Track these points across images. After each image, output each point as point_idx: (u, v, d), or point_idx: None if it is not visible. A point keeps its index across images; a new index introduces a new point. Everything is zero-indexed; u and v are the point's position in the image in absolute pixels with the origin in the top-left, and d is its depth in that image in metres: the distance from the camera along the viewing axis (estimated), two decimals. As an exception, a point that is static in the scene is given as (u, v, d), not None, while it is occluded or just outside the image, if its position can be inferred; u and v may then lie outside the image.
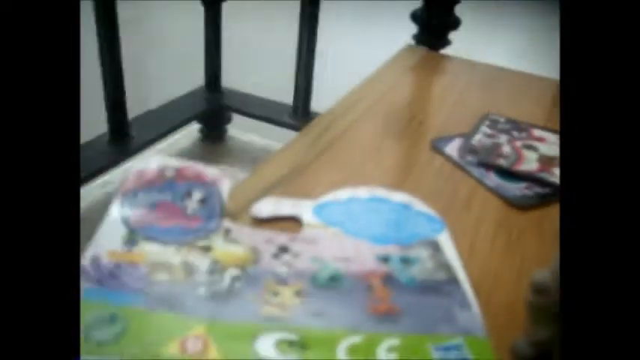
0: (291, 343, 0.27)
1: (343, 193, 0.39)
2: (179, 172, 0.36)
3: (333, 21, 1.33)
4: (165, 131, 1.07)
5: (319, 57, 1.10)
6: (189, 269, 0.30)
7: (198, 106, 1.18)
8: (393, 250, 0.34)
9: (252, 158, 1.26)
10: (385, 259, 0.33)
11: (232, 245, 0.33)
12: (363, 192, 0.40)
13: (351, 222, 0.36)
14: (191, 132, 1.29)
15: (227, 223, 0.34)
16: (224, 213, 0.35)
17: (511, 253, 0.37)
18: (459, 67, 0.69)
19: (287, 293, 0.30)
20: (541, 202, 0.42)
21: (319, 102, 1.18)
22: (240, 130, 1.31)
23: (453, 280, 0.31)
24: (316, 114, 1.15)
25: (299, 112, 1.13)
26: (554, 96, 0.64)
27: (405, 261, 0.33)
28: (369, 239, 0.34)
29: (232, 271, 0.31)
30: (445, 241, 0.35)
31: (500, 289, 0.33)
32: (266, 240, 0.33)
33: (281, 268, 0.31)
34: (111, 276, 0.29)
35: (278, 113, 1.17)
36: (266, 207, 0.37)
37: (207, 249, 0.32)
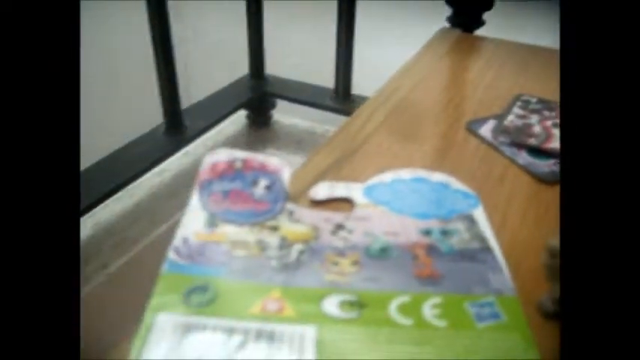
0: (351, 303, 0.32)
1: (388, 175, 0.45)
2: (246, 163, 0.42)
3: (371, 3, 1.36)
4: (216, 120, 1.14)
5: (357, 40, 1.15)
6: (262, 245, 0.36)
7: (244, 94, 1.25)
8: (434, 224, 0.39)
9: (297, 141, 1.32)
10: (427, 232, 0.38)
11: (296, 224, 0.38)
12: (405, 173, 0.45)
13: (397, 201, 0.41)
14: (239, 119, 1.36)
15: (290, 205, 0.40)
16: (287, 197, 0.41)
17: (539, 225, 0.41)
18: (493, 48, 0.73)
19: (345, 263, 0.35)
20: (568, 177, 0.46)
21: (360, 84, 1.22)
22: (285, 114, 1.38)
23: (487, 249, 0.37)
24: (357, 96, 1.20)
25: (340, 95, 1.18)
26: None
27: (445, 233, 0.38)
28: (412, 215, 0.40)
29: (298, 246, 0.37)
30: (480, 215, 0.40)
31: (528, 257, 0.38)
32: (324, 219, 0.39)
33: (338, 242, 0.37)
34: (199, 253, 0.36)
35: (320, 97, 1.22)
36: (322, 190, 0.43)
37: (275, 228, 0.38)
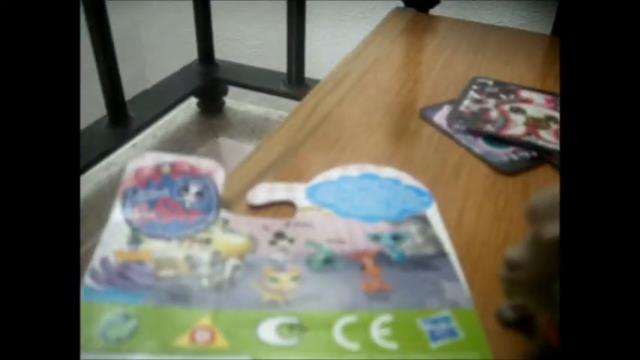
0: (291, 327, 0.29)
1: (334, 173, 0.41)
2: (174, 167, 0.38)
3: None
4: (164, 109, 1.08)
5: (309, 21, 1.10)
6: (192, 262, 0.33)
7: (194, 81, 1.19)
8: (383, 228, 0.35)
9: (251, 128, 1.27)
10: (376, 238, 0.35)
11: (231, 235, 0.35)
12: (353, 170, 0.41)
13: (343, 202, 0.38)
14: (189, 106, 1.30)
15: (224, 213, 0.36)
16: (221, 204, 0.37)
17: (498, 221, 0.38)
18: (447, 28, 0.70)
19: (285, 279, 0.32)
20: (527, 166, 0.44)
21: (314, 67, 1.18)
22: (238, 100, 1.32)
23: (441, 254, 0.33)
24: (311, 80, 1.15)
25: (293, 80, 1.14)
26: (545, 52, 0.64)
27: (396, 238, 0.35)
28: (360, 218, 0.36)
29: (232, 261, 0.33)
30: (433, 214, 0.37)
31: (487, 257, 0.35)
32: (262, 227, 0.35)
33: (278, 255, 0.33)
34: (120, 276, 0.31)
35: (273, 82, 1.17)
36: (260, 193, 0.39)
37: (207, 241, 0.34)
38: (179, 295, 0.30)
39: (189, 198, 0.37)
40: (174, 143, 1.21)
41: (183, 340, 0.28)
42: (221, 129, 1.25)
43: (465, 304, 0.30)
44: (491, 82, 0.54)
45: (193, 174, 0.38)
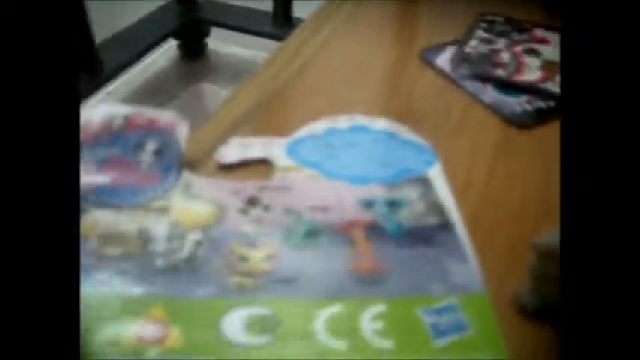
0: (262, 320, 0.24)
1: (320, 125, 0.35)
2: (128, 121, 0.32)
3: None
4: (138, 52, 1.01)
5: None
6: (145, 238, 0.27)
7: (172, 22, 1.11)
8: (377, 192, 0.30)
9: (235, 72, 1.20)
10: (369, 204, 0.29)
11: (193, 202, 0.29)
12: (343, 121, 0.35)
13: (330, 160, 0.32)
14: (169, 50, 1.22)
15: (186, 175, 0.31)
16: (183, 164, 0.31)
17: (512, 184, 0.33)
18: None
19: (256, 258, 0.26)
20: (544, 118, 0.38)
21: (302, 7, 1.10)
22: (222, 42, 1.24)
23: (446, 225, 0.28)
24: (300, 20, 1.08)
25: (279, 19, 1.06)
26: None
27: (392, 204, 0.29)
28: (349, 180, 0.31)
29: (194, 235, 0.27)
30: (437, 176, 0.31)
31: (500, 227, 0.30)
32: (232, 191, 0.30)
33: (249, 227, 0.28)
34: (55, 253, 0.26)
35: (258, 22, 1.09)
36: (232, 150, 0.33)
37: (164, 210, 0.29)
38: (127, 279, 0.25)
39: (146, 157, 0.31)
40: (153, 89, 1.14)
41: (129, 339, 0.23)
42: (203, 74, 1.18)
43: (476, 289, 0.25)
44: (501, 19, 0.48)
45: (151, 128, 0.32)
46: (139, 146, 0.31)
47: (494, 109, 0.39)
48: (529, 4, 0.53)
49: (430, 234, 0.28)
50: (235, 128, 0.36)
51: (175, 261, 0.26)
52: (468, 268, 0.26)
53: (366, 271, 0.26)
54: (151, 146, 0.31)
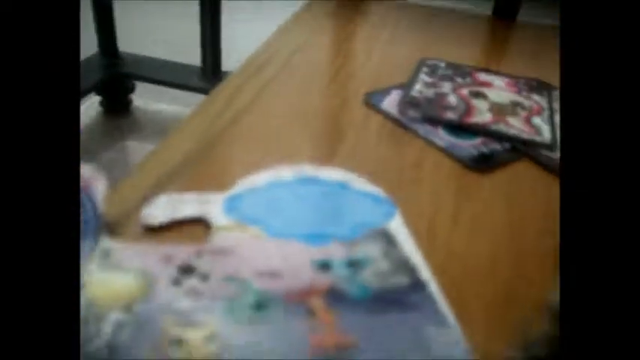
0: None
1: (262, 177, 0.31)
2: (33, 178, 0.27)
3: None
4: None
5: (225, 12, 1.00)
6: (51, 321, 0.22)
7: (94, 76, 1.05)
8: (334, 251, 0.26)
9: (162, 129, 1.14)
10: (325, 266, 0.25)
11: (114, 274, 0.24)
12: (286, 172, 0.32)
13: (276, 216, 0.28)
14: (90, 106, 1.16)
15: (106, 241, 0.25)
16: (101, 227, 0.26)
17: (478, 229, 0.30)
18: (383, 11, 0.61)
19: (196, 339, 0.21)
20: (502, 160, 0.35)
21: (232, 62, 1.08)
22: (147, 99, 1.19)
23: (417, 285, 0.24)
24: (228, 73, 1.05)
25: (208, 73, 1.03)
26: (492, 34, 0.57)
27: (352, 264, 0.25)
28: (301, 238, 0.27)
29: (115, 316, 0.22)
30: (399, 228, 0.28)
31: (472, 283, 0.26)
32: (162, 258, 0.25)
33: (184, 301, 0.23)
34: None
35: (186, 76, 1.05)
36: (160, 210, 0.28)
37: (78, 285, 0.23)
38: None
39: (54, 221, 0.26)
40: (73, 148, 1.07)
41: None
42: (128, 130, 1.12)
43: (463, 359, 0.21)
44: (443, 64, 0.46)
45: (61, 186, 0.27)
46: (47, 208, 0.26)
47: (449, 153, 0.36)
48: (469, 44, 0.52)
49: (401, 296, 0.24)
50: (163, 184, 0.31)
51: (91, 352, 0.21)
52: (451, 335, 0.22)
53: (329, 347, 0.21)
54: (61, 208, 0.26)
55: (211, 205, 0.28)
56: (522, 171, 0.35)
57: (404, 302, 0.23)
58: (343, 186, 0.31)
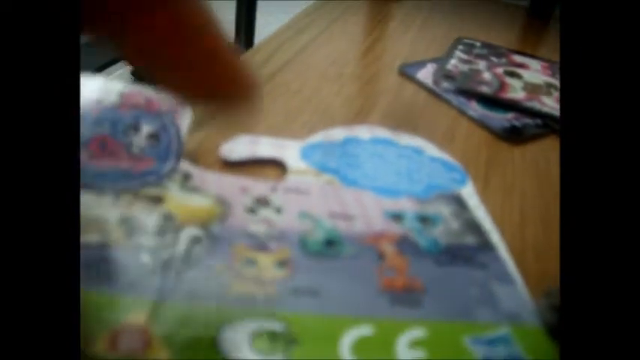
0: (273, 336, 0.15)
1: (339, 132, 0.26)
2: (123, 99, 0.22)
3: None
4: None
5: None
6: (130, 227, 0.17)
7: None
8: (406, 205, 0.21)
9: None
10: (397, 217, 0.21)
11: (193, 195, 0.19)
12: (363, 132, 0.27)
13: (351, 168, 0.23)
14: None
15: (186, 165, 0.21)
16: (182, 153, 0.21)
17: (509, 195, 0.25)
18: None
19: (266, 262, 0.17)
20: (534, 134, 0.31)
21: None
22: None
23: (487, 246, 0.20)
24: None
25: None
26: (527, 23, 0.51)
27: (424, 219, 0.21)
28: (374, 190, 0.22)
29: (191, 231, 0.18)
30: (471, 195, 0.23)
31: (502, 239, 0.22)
32: (239, 189, 0.20)
33: (258, 227, 0.19)
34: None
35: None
36: (240, 147, 0.23)
37: (157, 200, 0.19)
38: (102, 273, 0.15)
39: (139, 140, 0.21)
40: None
41: (99, 344, 0.13)
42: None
43: (529, 318, 0.17)
44: (479, 44, 0.41)
45: (149, 109, 0.22)
46: (133, 127, 0.21)
47: (481, 123, 0.31)
48: (505, 32, 0.47)
49: (470, 253, 0.19)
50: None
51: (166, 258, 0.16)
52: (517, 293, 0.18)
53: (399, 289, 0.17)
54: (146, 129, 0.21)
55: (288, 150, 0.24)
56: (551, 145, 0.30)
57: (472, 259, 0.19)
58: (418, 151, 0.26)
